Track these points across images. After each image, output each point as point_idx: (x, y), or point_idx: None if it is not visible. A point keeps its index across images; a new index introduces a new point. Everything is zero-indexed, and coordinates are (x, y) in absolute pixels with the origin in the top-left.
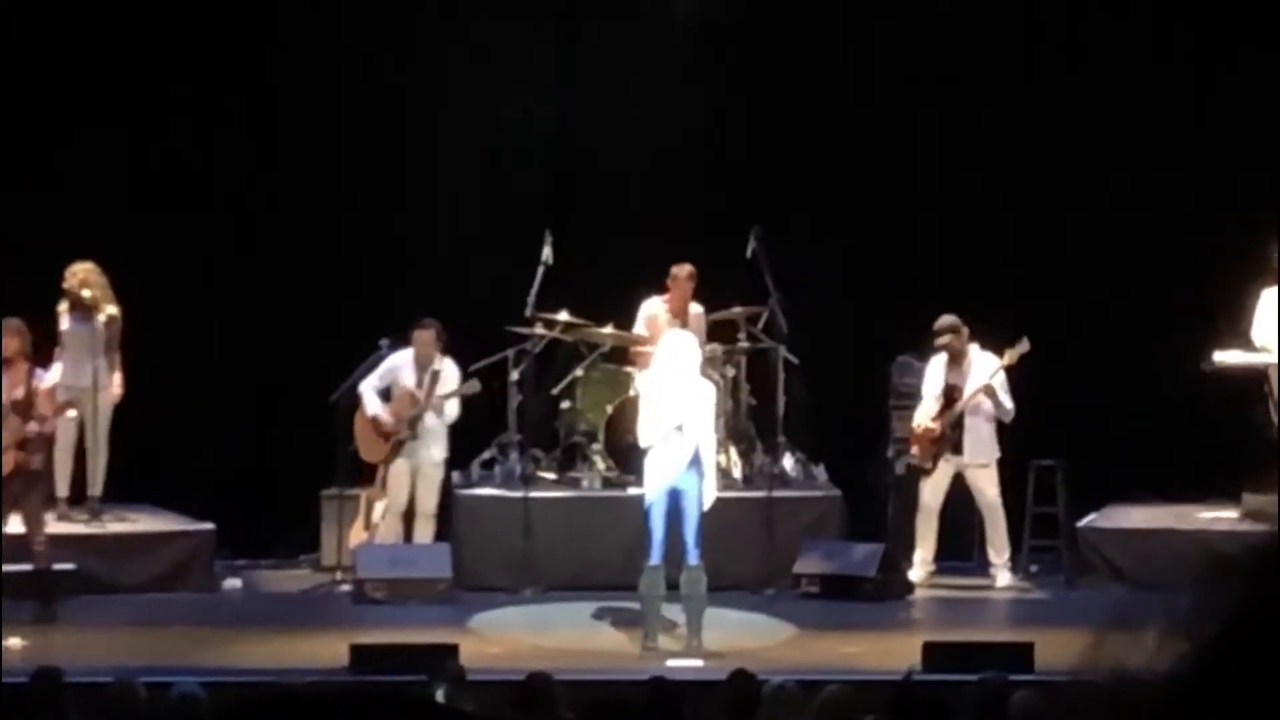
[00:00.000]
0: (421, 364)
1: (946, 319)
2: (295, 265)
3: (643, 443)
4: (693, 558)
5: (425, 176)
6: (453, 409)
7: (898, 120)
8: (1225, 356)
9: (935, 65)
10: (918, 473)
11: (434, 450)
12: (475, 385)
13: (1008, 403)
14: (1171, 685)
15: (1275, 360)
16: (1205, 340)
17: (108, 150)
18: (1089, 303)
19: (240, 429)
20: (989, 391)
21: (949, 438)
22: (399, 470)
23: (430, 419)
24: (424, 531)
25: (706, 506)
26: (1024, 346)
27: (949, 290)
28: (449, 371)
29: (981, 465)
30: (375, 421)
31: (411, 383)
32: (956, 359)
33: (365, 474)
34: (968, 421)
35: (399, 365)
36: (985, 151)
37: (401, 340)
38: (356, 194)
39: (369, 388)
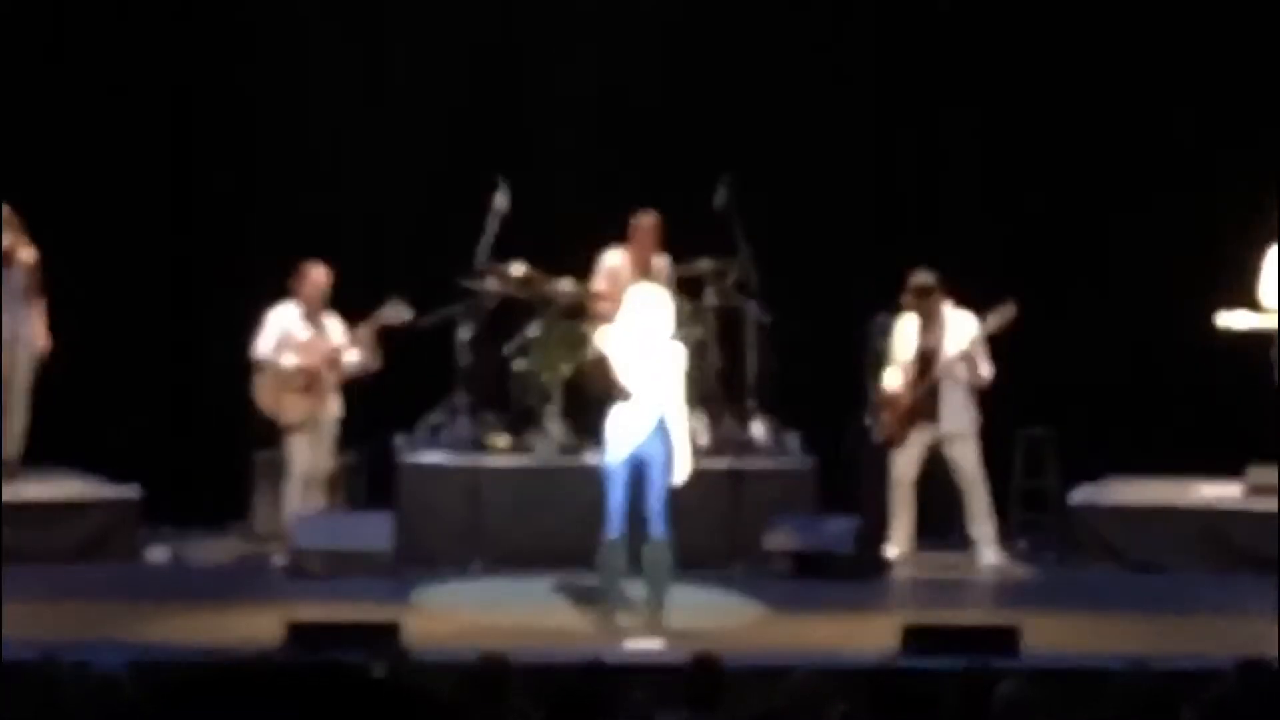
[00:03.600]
0: (311, 314)
1: (922, 277)
2: (224, 215)
3: (622, 393)
4: (657, 531)
5: (367, 119)
6: (352, 356)
7: (877, 63)
8: (1230, 319)
9: (919, 6)
10: (890, 443)
11: (332, 405)
12: (404, 311)
13: (985, 369)
14: None
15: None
16: (1209, 301)
17: (23, 90)
18: (1084, 261)
19: (167, 387)
20: (968, 358)
21: (923, 406)
22: (299, 434)
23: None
24: (316, 498)
25: (680, 480)
26: (1009, 312)
27: (932, 247)
28: (334, 324)
29: (958, 434)
30: (295, 374)
31: (306, 334)
32: (929, 320)
33: (277, 438)
34: (943, 389)
35: (286, 318)
36: (974, 101)
37: (280, 291)
38: (289, 139)
39: (268, 348)
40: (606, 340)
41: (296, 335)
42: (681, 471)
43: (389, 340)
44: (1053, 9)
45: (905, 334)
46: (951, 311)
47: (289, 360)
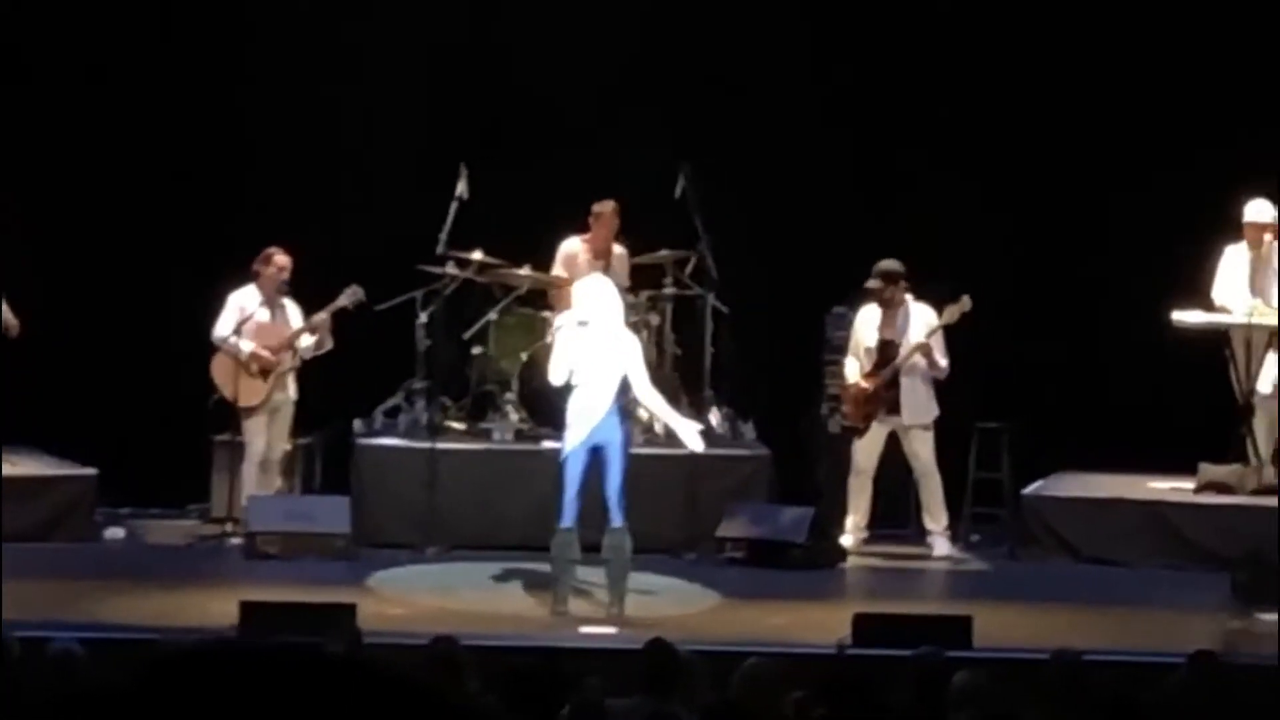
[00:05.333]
0: (270, 298)
1: (889, 263)
2: (185, 199)
3: (553, 380)
4: (616, 519)
5: (330, 104)
6: (306, 340)
7: (838, 55)
8: (1185, 316)
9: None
10: (851, 433)
11: (290, 388)
12: (359, 293)
13: (943, 361)
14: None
15: (1236, 321)
16: (1164, 299)
17: None
18: (1040, 255)
19: (126, 369)
20: (924, 351)
21: (883, 397)
22: (256, 417)
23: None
24: (272, 481)
25: (698, 448)
26: (965, 305)
27: (889, 239)
28: (294, 308)
29: (918, 427)
30: (253, 358)
31: (266, 317)
32: (890, 309)
33: (234, 421)
34: (903, 380)
35: (246, 301)
36: (935, 95)
37: (242, 275)
38: (251, 124)
39: (227, 331)
40: (558, 332)
41: (256, 319)
42: (695, 439)
43: (348, 324)
44: (1016, 6)
45: (867, 324)
46: (913, 304)
47: (247, 344)
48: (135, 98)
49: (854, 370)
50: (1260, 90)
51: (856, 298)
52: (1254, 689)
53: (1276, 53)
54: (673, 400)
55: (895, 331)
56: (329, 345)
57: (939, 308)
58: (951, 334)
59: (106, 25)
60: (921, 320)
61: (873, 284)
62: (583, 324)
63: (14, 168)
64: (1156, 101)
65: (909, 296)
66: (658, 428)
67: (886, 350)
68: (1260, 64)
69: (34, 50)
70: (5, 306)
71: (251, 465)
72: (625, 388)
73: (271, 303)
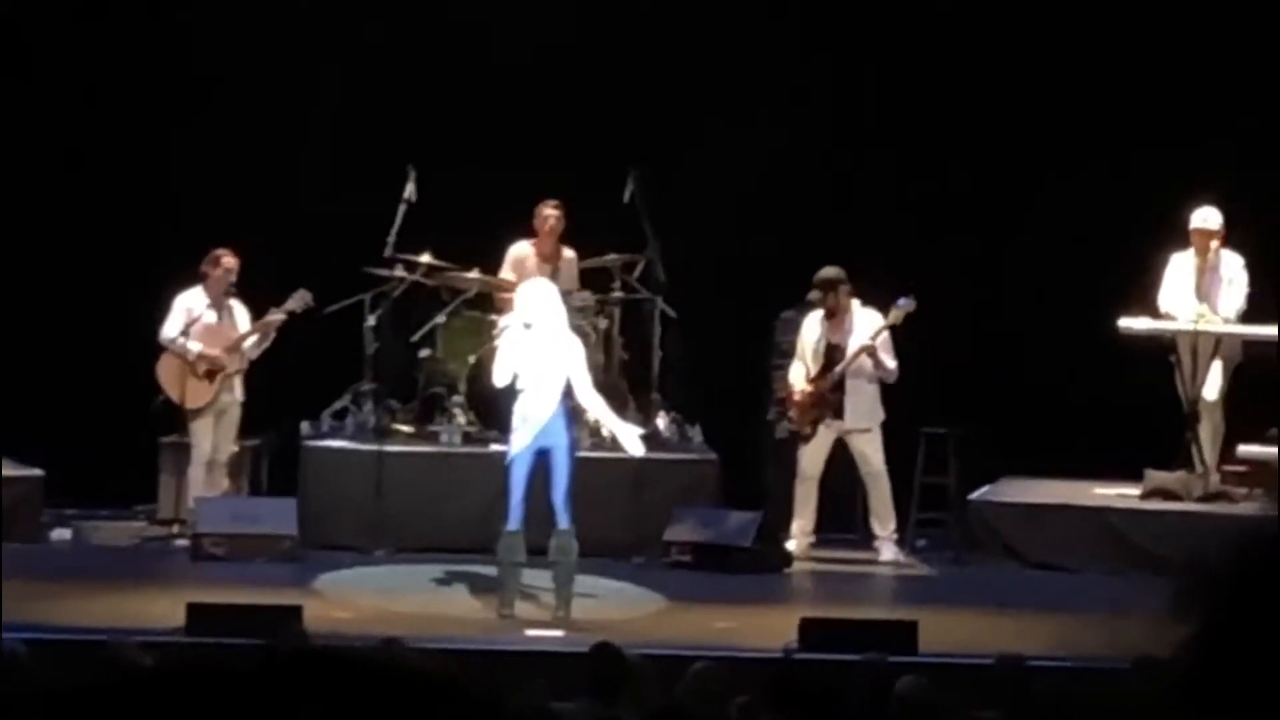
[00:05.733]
0: (217, 300)
1: (826, 272)
2: (132, 199)
3: (497, 382)
4: (563, 521)
5: (277, 105)
6: (254, 341)
7: (787, 59)
8: (1131, 323)
9: (829, 4)
10: (798, 438)
11: (237, 390)
12: (307, 297)
13: (890, 363)
14: (1178, 671)
15: (1182, 328)
16: (1110, 305)
17: None
18: (988, 260)
19: (73, 370)
20: (871, 352)
21: (829, 401)
22: (202, 418)
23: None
24: (219, 482)
25: (638, 453)
26: (910, 305)
27: (837, 242)
28: (241, 310)
29: (864, 430)
30: (200, 360)
31: (213, 319)
32: (835, 315)
33: (181, 423)
34: (849, 384)
35: (193, 303)
36: (878, 96)
37: (189, 276)
38: (199, 124)
39: (175, 333)
40: (502, 334)
41: (203, 320)
42: (635, 444)
43: (296, 327)
44: (963, 13)
45: (811, 329)
46: (859, 309)
47: (195, 345)
48: (79, 98)
49: (799, 375)
50: (1208, 96)
51: (804, 304)
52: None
53: (1224, 59)
54: (620, 404)
55: (841, 335)
56: (270, 340)
57: (885, 311)
58: (899, 338)
59: (50, 26)
60: (868, 324)
61: (813, 295)
62: (526, 327)
63: None
64: (1105, 107)
65: (855, 301)
66: (604, 431)
67: (832, 354)
68: (1208, 70)
69: None
70: None
71: (198, 467)
72: (570, 391)
73: (219, 304)
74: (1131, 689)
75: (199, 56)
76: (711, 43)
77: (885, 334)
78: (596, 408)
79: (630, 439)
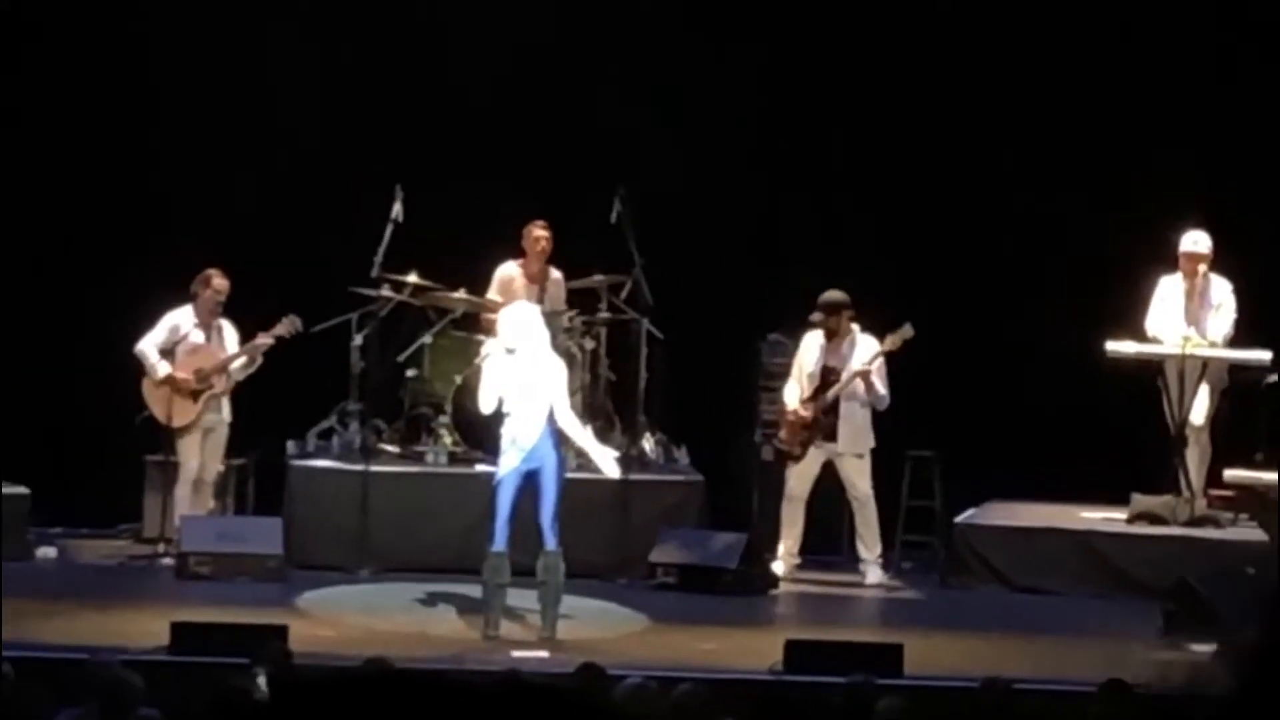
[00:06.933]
0: (206, 320)
1: (833, 294)
2: (119, 219)
3: (483, 408)
4: (550, 542)
5: (264, 123)
6: (241, 363)
7: (773, 80)
8: (1118, 347)
9: (813, 23)
10: (785, 459)
11: (224, 410)
12: (296, 322)
13: (883, 390)
14: (1218, 700)
15: (1170, 352)
16: (1098, 329)
17: None
18: (975, 285)
19: (59, 389)
20: (865, 377)
21: (821, 423)
22: (189, 436)
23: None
24: (205, 501)
25: (614, 475)
26: (907, 332)
27: (825, 266)
28: (229, 330)
29: (855, 455)
30: (168, 381)
31: (201, 338)
32: (835, 339)
33: (166, 441)
34: (843, 408)
35: (182, 322)
36: (870, 121)
37: (181, 296)
38: (186, 144)
39: (151, 348)
40: (486, 360)
41: (190, 340)
42: (612, 467)
43: (283, 346)
44: (952, 29)
45: (809, 350)
46: (859, 334)
47: (165, 366)
48: (68, 116)
49: (793, 395)
50: (1197, 121)
51: (800, 327)
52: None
53: (1216, 84)
54: (607, 425)
55: (839, 359)
56: (258, 363)
57: (882, 337)
58: (889, 363)
59: (34, 41)
60: (866, 349)
61: (815, 317)
62: (510, 351)
63: None
64: (1092, 132)
65: (855, 326)
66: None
67: (828, 377)
68: (1198, 95)
69: None
70: None
71: (185, 485)
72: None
73: (207, 325)
74: (1098, 712)
75: (186, 77)
76: (700, 64)
77: (881, 360)
78: (574, 430)
79: (607, 462)
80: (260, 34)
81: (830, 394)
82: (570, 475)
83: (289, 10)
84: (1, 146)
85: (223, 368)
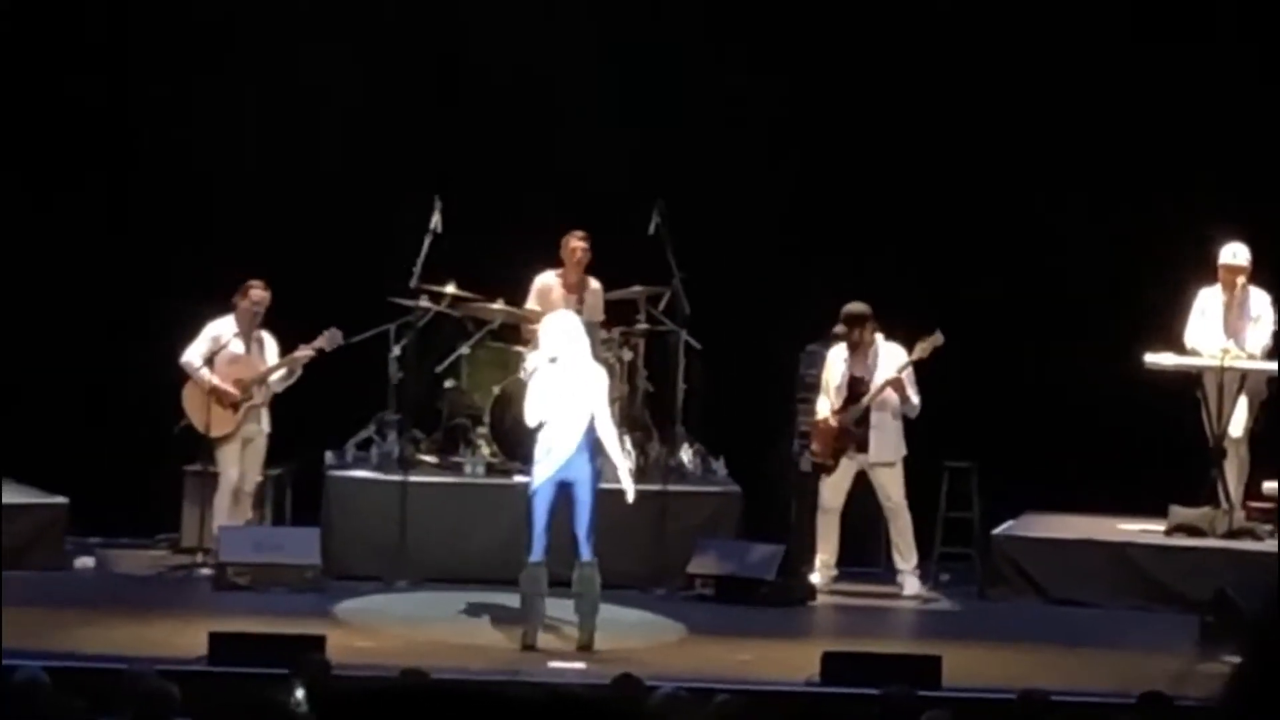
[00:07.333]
0: (247, 331)
1: (854, 307)
2: (160, 222)
3: (530, 421)
4: (585, 553)
5: (304, 134)
6: (281, 374)
7: (813, 93)
8: (1157, 359)
9: (850, 34)
10: (821, 470)
11: (263, 420)
12: (337, 336)
13: (915, 398)
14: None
15: (1209, 364)
16: (1136, 340)
17: None
18: (1013, 295)
19: (98, 399)
20: (896, 385)
21: (853, 434)
22: (228, 446)
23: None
24: (244, 511)
25: (629, 496)
26: (937, 339)
27: (860, 276)
28: (270, 342)
29: (887, 464)
30: (219, 391)
31: (240, 349)
32: (859, 350)
33: (205, 451)
34: (874, 418)
35: (222, 331)
36: (903, 132)
37: (223, 307)
38: (225, 154)
39: (197, 357)
40: (532, 374)
41: (230, 350)
42: (629, 488)
43: (322, 357)
44: (985, 41)
45: (836, 362)
46: (883, 343)
47: (210, 375)
48: (112, 130)
49: (825, 407)
50: (1238, 132)
51: (830, 337)
52: None
53: (1255, 96)
54: (644, 436)
55: (865, 369)
56: (297, 375)
57: (910, 346)
58: (923, 372)
59: (78, 50)
60: (892, 358)
61: (839, 329)
62: (552, 361)
63: None
64: (1132, 142)
65: (879, 336)
66: (629, 463)
67: (856, 387)
68: (1239, 106)
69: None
70: None
71: (224, 495)
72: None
73: (247, 335)
74: None
75: (227, 89)
76: (738, 74)
77: (910, 368)
78: (609, 440)
79: (625, 481)
80: (299, 45)
81: (860, 404)
82: (607, 486)
83: (328, 21)
84: (46, 163)
85: (263, 379)
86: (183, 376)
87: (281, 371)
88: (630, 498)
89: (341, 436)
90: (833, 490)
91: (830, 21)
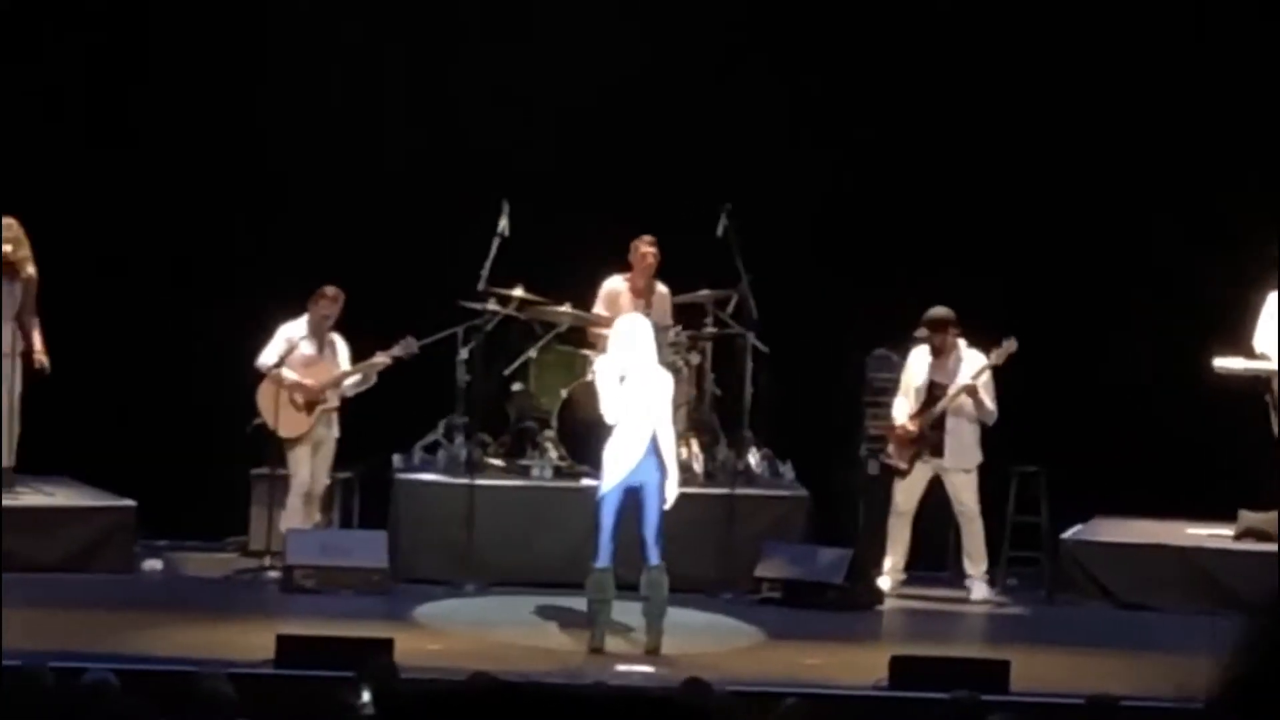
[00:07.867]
0: (319, 334)
1: (939, 310)
2: (228, 228)
3: (610, 420)
4: (653, 557)
5: (374, 139)
6: (354, 380)
7: (882, 96)
8: (1226, 363)
9: (923, 38)
10: (891, 474)
11: (334, 424)
12: (413, 345)
13: (991, 404)
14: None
15: (1277, 368)
16: (1205, 344)
17: (23, 100)
18: (1080, 301)
19: (167, 401)
20: (972, 392)
21: (928, 438)
22: (300, 448)
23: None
24: (313, 514)
25: (669, 505)
26: (1012, 345)
27: (930, 282)
28: (341, 345)
29: (962, 470)
30: (298, 390)
31: (312, 351)
32: (941, 354)
33: (276, 453)
34: (950, 423)
35: (295, 336)
36: (975, 137)
37: (295, 310)
38: (297, 157)
39: (274, 357)
40: (598, 369)
41: (301, 351)
42: (671, 496)
43: (397, 367)
44: (1055, 50)
45: (916, 366)
46: (965, 349)
47: (289, 374)
48: (185, 137)
49: (902, 410)
50: None
51: (906, 343)
52: None
53: None
54: (712, 440)
55: (946, 374)
56: (372, 382)
57: (989, 352)
58: (996, 377)
59: (146, 62)
60: (972, 364)
61: (921, 333)
62: (620, 362)
63: (53, 197)
64: (1202, 144)
65: (961, 342)
66: (695, 467)
67: (934, 392)
68: None
69: (71, 81)
70: (39, 339)
71: (296, 497)
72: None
73: (320, 339)
74: None
75: (299, 97)
76: (807, 80)
77: (987, 374)
78: (667, 444)
79: (670, 487)
80: (372, 54)
81: (937, 409)
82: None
83: (397, 25)
84: (119, 167)
85: (337, 383)
86: (254, 378)
87: (356, 377)
88: (668, 504)
89: (409, 440)
90: (906, 494)
91: (907, 24)
